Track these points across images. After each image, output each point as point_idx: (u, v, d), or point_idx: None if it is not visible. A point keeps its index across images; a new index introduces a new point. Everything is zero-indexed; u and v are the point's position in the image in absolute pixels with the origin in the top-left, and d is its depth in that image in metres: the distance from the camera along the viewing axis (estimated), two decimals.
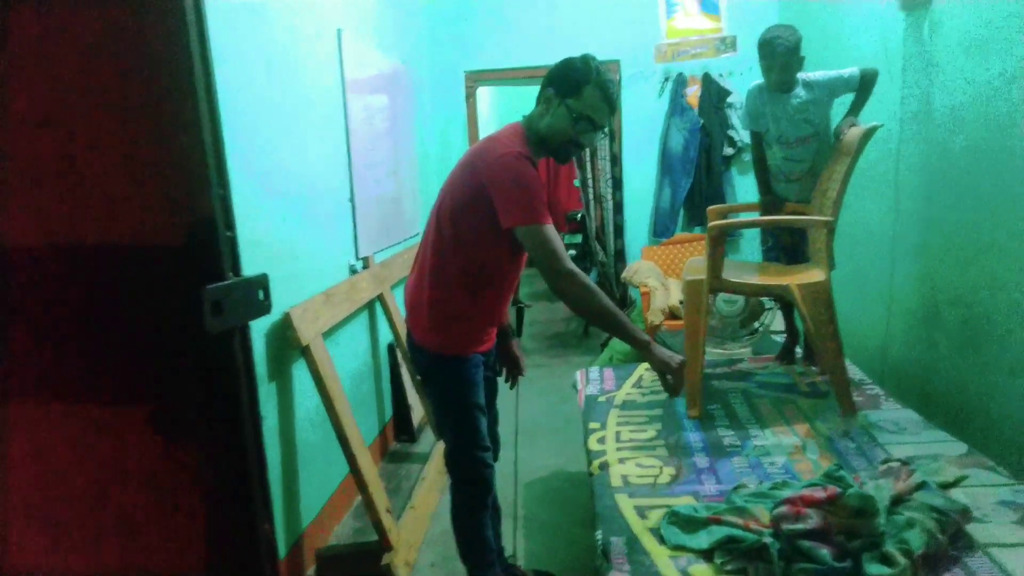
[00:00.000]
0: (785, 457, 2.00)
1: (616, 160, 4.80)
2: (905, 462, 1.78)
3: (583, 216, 5.02)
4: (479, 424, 1.84)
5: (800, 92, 2.55)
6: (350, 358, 2.86)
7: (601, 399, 2.58)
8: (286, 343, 2.19)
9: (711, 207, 2.83)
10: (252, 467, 0.67)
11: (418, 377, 1.94)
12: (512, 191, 1.63)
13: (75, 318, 0.69)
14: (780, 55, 2.46)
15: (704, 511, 1.63)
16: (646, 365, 2.91)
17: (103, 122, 0.68)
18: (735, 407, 2.40)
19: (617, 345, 4.17)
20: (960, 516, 1.51)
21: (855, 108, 2.51)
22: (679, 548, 1.56)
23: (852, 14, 3.35)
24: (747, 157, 4.47)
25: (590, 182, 4.84)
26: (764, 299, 3.50)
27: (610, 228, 4.83)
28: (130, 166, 0.68)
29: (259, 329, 2.07)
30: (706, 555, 1.52)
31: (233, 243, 0.68)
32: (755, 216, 2.90)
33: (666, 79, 4.71)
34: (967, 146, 2.40)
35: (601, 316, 1.70)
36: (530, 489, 2.82)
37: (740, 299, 3.45)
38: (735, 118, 4.62)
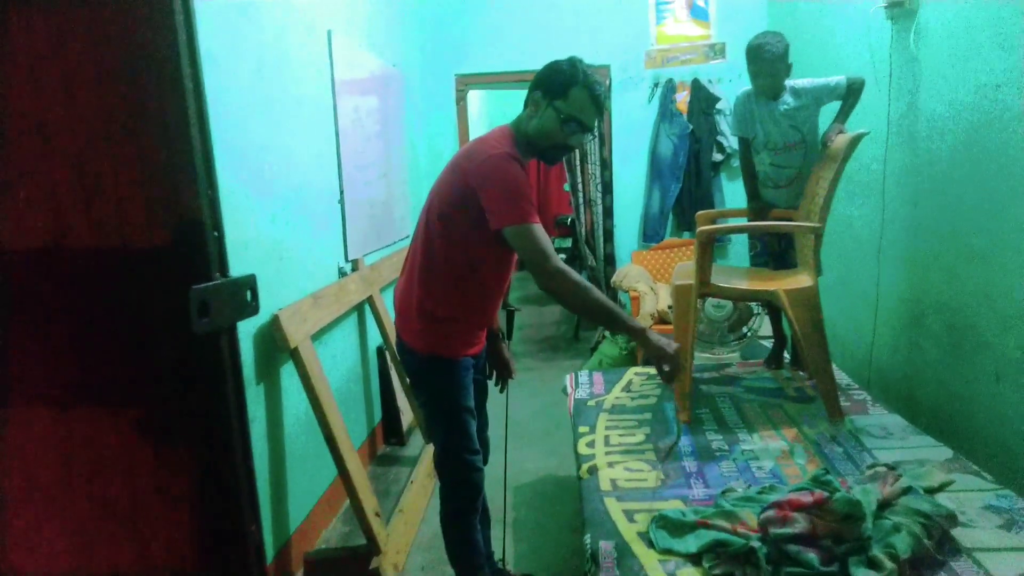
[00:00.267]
0: (773, 461, 2.01)
1: (606, 165, 4.81)
2: (892, 467, 1.79)
3: (573, 220, 5.03)
4: (468, 427, 1.84)
5: (788, 99, 2.57)
6: (339, 361, 2.85)
7: (591, 403, 2.58)
8: (274, 345, 2.18)
9: (700, 212, 2.84)
10: (240, 469, 0.66)
11: (408, 380, 1.93)
12: (500, 192, 1.63)
13: (62, 319, 0.68)
14: (767, 61, 2.48)
15: (692, 515, 1.64)
16: (635, 369, 2.92)
17: (90, 123, 0.68)
18: (723, 411, 2.41)
19: (607, 349, 4.18)
20: (946, 520, 1.53)
21: (842, 115, 2.53)
22: (667, 552, 1.56)
23: (839, 22, 3.38)
24: (736, 163, 4.50)
25: (580, 186, 4.85)
26: (752, 304, 3.52)
27: (600, 232, 4.84)
28: (117, 167, 0.67)
29: (247, 331, 2.05)
30: (694, 559, 1.53)
31: (221, 244, 0.68)
32: (743, 221, 2.91)
33: (656, 85, 4.74)
34: (953, 153, 2.43)
35: (594, 310, 1.70)
36: (519, 493, 2.81)
37: (728, 304, 3.47)
38: (724, 124, 4.66)
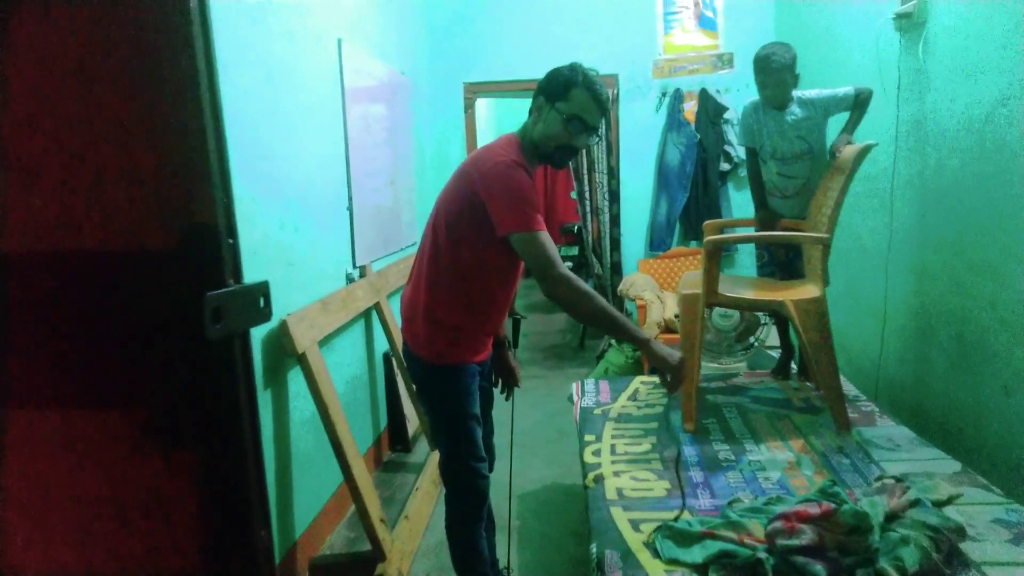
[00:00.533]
0: (780, 472, 2.00)
1: (613, 173, 4.82)
2: (899, 479, 1.78)
3: (580, 228, 5.04)
4: (474, 434, 1.84)
5: (795, 109, 2.57)
6: (345, 367, 2.85)
7: (597, 411, 2.58)
8: (282, 350, 2.19)
9: (707, 222, 2.84)
10: (251, 473, 0.67)
11: (414, 387, 1.94)
12: (506, 199, 1.64)
13: (75, 324, 0.69)
14: (775, 71, 2.49)
15: (699, 525, 1.63)
16: (642, 378, 2.92)
17: (105, 128, 0.68)
18: (730, 421, 2.40)
19: (613, 357, 4.17)
20: (954, 534, 1.52)
21: (850, 126, 2.53)
22: (673, 562, 1.55)
23: (848, 33, 3.39)
24: (743, 173, 4.50)
25: (587, 195, 4.86)
26: (759, 314, 3.51)
27: (607, 241, 4.84)
28: (132, 172, 0.68)
29: (255, 336, 2.06)
30: (700, 569, 1.52)
31: (235, 250, 0.69)
32: (751, 231, 2.91)
33: (663, 94, 4.75)
34: (961, 165, 2.43)
35: (598, 318, 1.71)
36: (525, 501, 2.81)
37: (736, 314, 3.45)
38: (731, 134, 4.66)
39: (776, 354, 3.08)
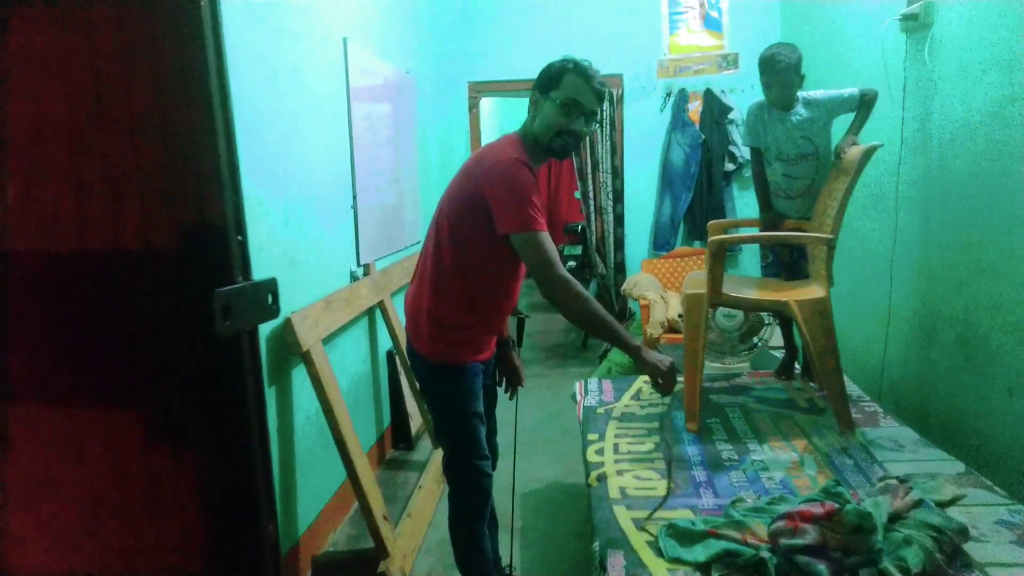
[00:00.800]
0: (783, 472, 2.00)
1: (617, 173, 4.82)
2: (903, 480, 1.78)
3: (583, 228, 5.04)
4: (478, 433, 1.84)
5: (800, 110, 2.57)
6: (349, 365, 2.86)
7: (600, 411, 2.58)
8: (286, 348, 2.19)
9: (711, 222, 2.84)
10: (258, 468, 0.67)
11: (417, 385, 1.95)
12: (508, 197, 1.64)
13: (86, 320, 0.70)
14: (780, 72, 2.49)
15: (702, 524, 1.63)
16: (644, 378, 2.92)
17: (118, 129, 0.69)
18: (733, 421, 2.40)
19: (616, 357, 4.17)
20: (957, 535, 1.52)
21: (855, 127, 2.53)
22: (676, 561, 1.56)
23: (854, 35, 3.38)
24: (747, 173, 4.50)
25: (591, 194, 4.86)
26: (763, 314, 3.50)
27: (610, 240, 4.84)
28: (144, 171, 0.69)
29: (260, 333, 2.07)
30: (703, 569, 1.52)
31: (244, 248, 0.69)
32: (755, 232, 2.91)
33: (668, 94, 4.75)
34: (966, 167, 2.42)
35: (593, 322, 1.72)
36: (527, 499, 2.81)
37: (739, 314, 3.45)
38: (736, 134, 4.65)
39: (780, 354, 3.07)
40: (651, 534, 1.67)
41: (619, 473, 2.04)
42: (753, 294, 2.43)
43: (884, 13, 2.92)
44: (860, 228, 3.28)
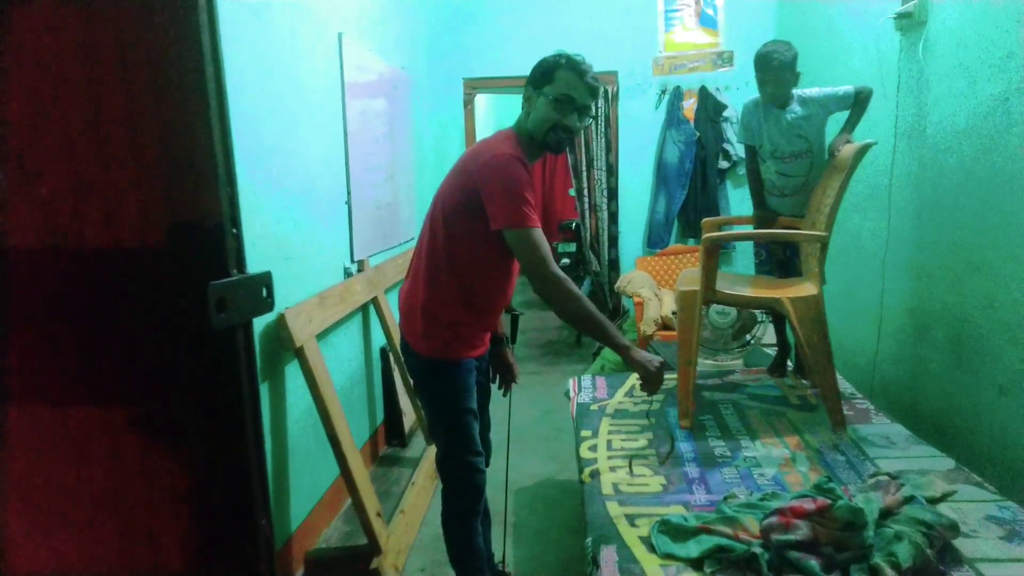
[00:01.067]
0: (775, 469, 2.01)
1: (612, 170, 4.83)
2: (894, 476, 1.79)
3: (578, 225, 5.05)
4: (471, 429, 1.85)
5: (795, 108, 2.58)
6: (343, 361, 2.86)
7: (593, 407, 2.58)
8: (279, 344, 2.19)
9: (706, 219, 2.85)
10: (252, 462, 0.67)
11: (411, 381, 1.95)
12: (502, 193, 1.64)
13: (78, 315, 0.69)
14: (775, 69, 2.49)
15: (694, 520, 1.64)
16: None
17: (113, 119, 0.69)
18: (726, 418, 2.41)
19: (609, 354, 4.18)
20: (948, 531, 1.53)
21: (849, 125, 2.54)
22: (669, 557, 1.56)
23: (849, 32, 3.39)
24: (742, 171, 4.51)
25: (586, 191, 4.87)
26: (756, 312, 3.52)
27: (604, 238, 4.85)
28: (138, 163, 0.69)
29: (254, 329, 2.06)
30: (695, 564, 1.53)
31: (239, 240, 0.69)
32: (749, 229, 2.92)
33: (663, 91, 4.75)
34: (959, 165, 2.44)
35: (583, 320, 1.73)
36: (521, 496, 2.82)
37: (733, 311, 3.46)
38: (731, 132, 4.67)
39: (772, 351, 3.09)
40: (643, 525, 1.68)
41: (612, 469, 2.05)
42: (746, 291, 2.44)
43: (879, 11, 2.93)
44: (853, 226, 3.29)
